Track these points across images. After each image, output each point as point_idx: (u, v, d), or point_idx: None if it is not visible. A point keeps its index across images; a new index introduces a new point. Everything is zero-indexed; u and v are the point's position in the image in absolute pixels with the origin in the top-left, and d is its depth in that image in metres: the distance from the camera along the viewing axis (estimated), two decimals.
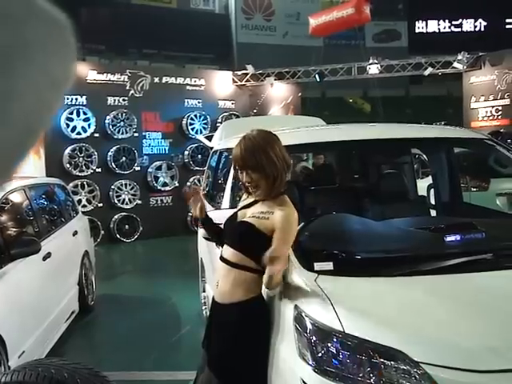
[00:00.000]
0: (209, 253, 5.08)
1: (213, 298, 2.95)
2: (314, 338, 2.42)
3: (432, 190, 5.16)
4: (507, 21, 31.92)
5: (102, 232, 11.80)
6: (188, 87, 13.11)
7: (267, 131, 2.86)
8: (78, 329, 6.37)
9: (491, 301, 2.50)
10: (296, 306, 2.56)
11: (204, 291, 5.96)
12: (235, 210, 3.03)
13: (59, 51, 0.49)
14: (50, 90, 0.49)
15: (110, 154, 11.99)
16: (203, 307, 6.07)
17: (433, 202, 5.08)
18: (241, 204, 3.00)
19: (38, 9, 0.46)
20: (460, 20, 33.11)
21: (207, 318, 3.03)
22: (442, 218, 4.45)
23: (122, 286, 8.59)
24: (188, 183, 12.76)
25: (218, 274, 2.92)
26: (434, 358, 2.19)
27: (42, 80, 0.47)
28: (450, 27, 33.46)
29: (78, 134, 11.59)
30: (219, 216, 3.29)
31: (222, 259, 2.83)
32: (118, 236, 12.10)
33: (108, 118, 11.96)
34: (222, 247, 2.93)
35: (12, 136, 0.47)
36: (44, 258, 5.25)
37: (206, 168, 7.28)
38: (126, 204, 12.26)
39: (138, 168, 12.42)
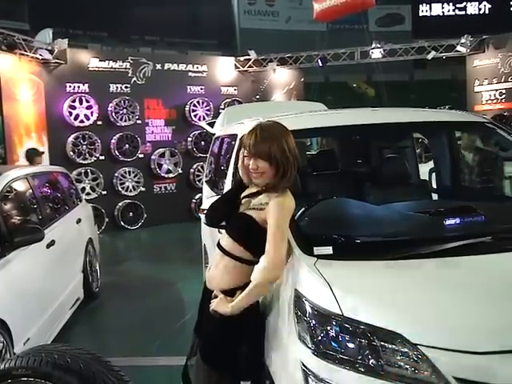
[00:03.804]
0: (212, 239, 5.10)
1: (204, 282, 2.98)
2: (314, 322, 2.43)
3: (434, 174, 5.15)
4: None
5: (107, 219, 11.86)
6: (190, 74, 13.09)
7: (280, 123, 2.83)
8: (83, 316, 6.43)
9: (490, 283, 2.50)
10: (295, 290, 2.58)
11: None
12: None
13: None
14: None
15: (113, 141, 12.01)
16: None
17: (435, 185, 5.08)
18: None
19: None
20: (464, 3, 32.84)
21: (199, 303, 3.05)
22: (443, 201, 4.45)
23: (127, 273, 8.64)
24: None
25: (212, 260, 2.93)
26: (433, 341, 2.20)
27: None
28: (454, 10, 33.20)
29: (81, 121, 11.61)
30: None
31: (219, 246, 2.84)
32: (122, 223, 12.16)
33: (111, 105, 11.97)
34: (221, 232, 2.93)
35: None
36: (48, 246, 5.28)
37: (208, 154, 7.29)
38: (130, 191, 12.31)
39: (142, 155, 12.44)
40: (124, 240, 11.82)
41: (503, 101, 13.40)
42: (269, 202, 2.68)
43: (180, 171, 12.88)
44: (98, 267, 7.40)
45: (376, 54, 13.95)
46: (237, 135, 4.64)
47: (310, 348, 2.40)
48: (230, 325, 2.71)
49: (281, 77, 14.35)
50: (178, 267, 8.57)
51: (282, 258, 2.60)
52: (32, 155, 9.14)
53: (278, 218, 2.61)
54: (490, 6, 32.37)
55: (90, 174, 11.74)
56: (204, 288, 2.98)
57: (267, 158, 2.67)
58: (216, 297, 2.75)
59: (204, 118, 12.74)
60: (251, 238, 2.73)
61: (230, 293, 2.72)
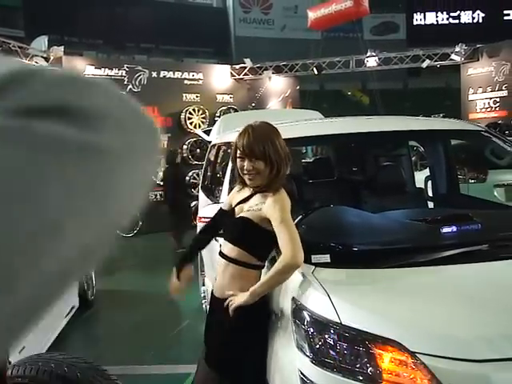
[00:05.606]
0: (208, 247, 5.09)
1: (212, 292, 2.97)
2: (312, 330, 2.43)
3: (429, 182, 5.17)
4: (505, 12, 31.86)
5: None
6: (186, 81, 13.10)
7: (270, 123, 2.87)
8: (78, 324, 6.39)
9: (486, 291, 2.51)
10: (293, 298, 2.57)
11: (203, 285, 5.98)
12: (228, 203, 3.02)
13: (152, 155, 0.57)
14: (139, 191, 0.55)
15: None
16: (203, 301, 6.09)
17: (430, 193, 5.10)
18: (234, 194, 3.00)
19: (144, 121, 0.56)
20: (458, 12, 33.01)
21: (207, 313, 3.05)
22: (439, 209, 4.46)
23: (122, 281, 8.60)
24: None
25: (215, 269, 2.93)
26: (430, 348, 2.20)
27: (137, 181, 0.53)
28: (448, 19, 33.37)
29: None
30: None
31: (221, 254, 2.84)
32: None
33: None
34: (217, 240, 2.93)
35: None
36: None
37: (204, 162, 7.29)
38: None
39: None
40: (119, 248, 11.72)
41: (497, 109, 13.47)
42: (265, 201, 2.69)
43: None
44: (93, 275, 7.36)
45: (371, 62, 14.02)
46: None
47: (308, 356, 2.40)
48: (236, 332, 2.72)
49: (276, 85, 14.39)
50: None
51: (299, 243, 2.53)
52: (173, 154, 10.83)
53: (279, 211, 2.61)
54: (483, 15, 32.54)
55: None
56: (211, 297, 2.98)
57: (262, 157, 2.69)
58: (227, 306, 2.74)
59: (200, 126, 12.74)
60: (252, 238, 2.74)
61: None
